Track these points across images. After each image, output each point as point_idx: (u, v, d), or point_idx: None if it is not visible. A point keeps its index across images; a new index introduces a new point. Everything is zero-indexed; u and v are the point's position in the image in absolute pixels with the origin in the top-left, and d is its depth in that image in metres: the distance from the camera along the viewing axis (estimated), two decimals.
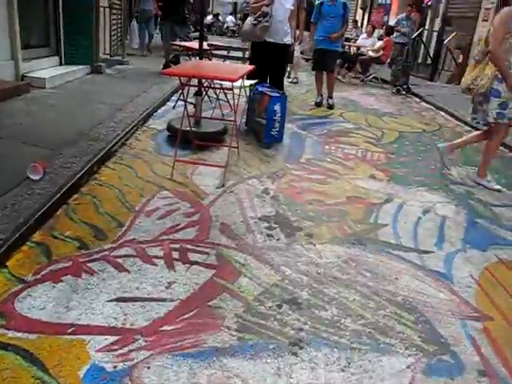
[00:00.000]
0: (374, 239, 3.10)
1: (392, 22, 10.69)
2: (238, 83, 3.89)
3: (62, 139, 4.18)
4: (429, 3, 13.00)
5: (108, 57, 9.37)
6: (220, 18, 23.25)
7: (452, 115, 7.80)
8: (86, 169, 3.64)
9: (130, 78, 7.92)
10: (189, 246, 2.78)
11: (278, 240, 2.94)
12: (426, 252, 3.01)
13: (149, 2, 10.99)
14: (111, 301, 2.22)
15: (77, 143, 4.12)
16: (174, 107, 6.05)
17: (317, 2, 7.42)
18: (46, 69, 6.94)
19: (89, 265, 2.50)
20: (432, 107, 8.55)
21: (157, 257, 2.65)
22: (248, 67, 4.07)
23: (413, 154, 5.23)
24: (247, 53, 5.42)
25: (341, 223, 3.27)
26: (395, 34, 10.35)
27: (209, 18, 23.76)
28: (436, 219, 3.54)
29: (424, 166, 4.86)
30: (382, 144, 5.49)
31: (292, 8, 5.64)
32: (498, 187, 4.36)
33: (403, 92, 9.70)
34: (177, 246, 2.78)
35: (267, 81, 5.41)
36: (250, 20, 5.56)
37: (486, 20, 10.73)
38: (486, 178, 4.50)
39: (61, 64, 7.49)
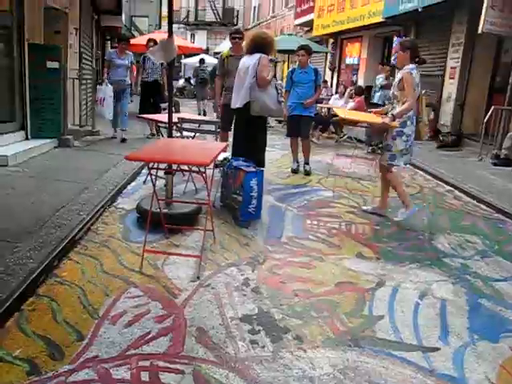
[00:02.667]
0: (371, 337, 2.74)
1: (380, 82, 10.83)
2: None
3: (20, 228, 3.80)
4: (395, 63, 13.29)
5: (78, 127, 9.12)
6: (192, 81, 23.50)
7: (431, 174, 7.70)
8: (44, 264, 3.26)
9: (100, 150, 7.64)
10: (161, 364, 2.37)
11: (262, 348, 2.55)
12: (432, 349, 2.67)
13: (119, 71, 8.69)
14: None
15: (36, 232, 3.75)
16: (144, 182, 5.74)
17: (288, 70, 7.40)
18: (11, 144, 6.63)
19: None
20: (409, 166, 8.42)
21: (123, 381, 2.24)
22: (220, 146, 3.81)
23: (398, 223, 4.96)
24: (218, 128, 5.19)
25: (332, 319, 2.91)
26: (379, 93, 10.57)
27: (181, 82, 24.06)
28: (435, 304, 3.21)
29: (412, 236, 4.59)
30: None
31: None
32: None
33: (378, 151, 9.62)
34: (147, 363, 2.37)
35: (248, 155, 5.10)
36: (265, 96, 5.14)
37: (453, 78, 10.98)
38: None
39: (27, 138, 7.20)
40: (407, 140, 4.80)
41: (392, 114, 4.72)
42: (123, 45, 8.83)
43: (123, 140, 8.62)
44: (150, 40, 9.72)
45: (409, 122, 4.77)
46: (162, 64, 8.69)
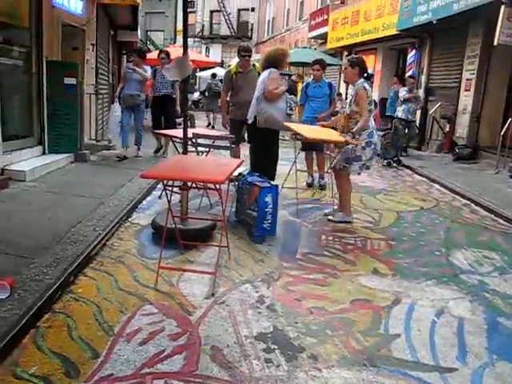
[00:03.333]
0: (387, 357, 2.70)
1: (403, 95, 10.30)
2: None
3: (36, 243, 3.85)
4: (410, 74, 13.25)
5: (94, 142, 9.24)
6: (206, 94, 23.68)
7: (447, 187, 7.62)
8: (60, 281, 3.29)
9: (115, 165, 7.72)
10: (175, 383, 2.37)
11: (277, 367, 2.54)
12: (449, 370, 2.63)
13: (133, 85, 8.23)
14: None
15: (52, 248, 3.79)
16: (160, 196, 5.77)
17: (302, 85, 7.41)
18: (29, 159, 6.74)
19: None
20: (425, 179, 8.40)
21: None
22: (235, 163, 3.82)
23: (414, 238, 4.93)
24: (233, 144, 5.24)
25: (347, 337, 2.88)
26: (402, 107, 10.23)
27: (196, 95, 24.27)
28: (452, 322, 3.16)
29: (428, 252, 4.54)
30: (381, 228, 5.20)
31: None
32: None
33: (394, 164, 9.59)
34: (161, 382, 2.37)
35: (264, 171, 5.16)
36: (272, 108, 5.28)
37: (468, 90, 10.90)
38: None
39: (44, 153, 7.31)
40: (374, 148, 5.09)
41: (351, 132, 4.93)
42: (139, 58, 8.53)
43: (137, 156, 8.40)
44: (161, 51, 9.47)
45: (374, 132, 5.11)
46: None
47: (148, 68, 8.64)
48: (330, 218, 5.30)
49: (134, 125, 8.56)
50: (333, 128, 5.36)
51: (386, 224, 5.38)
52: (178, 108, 8.55)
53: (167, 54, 8.79)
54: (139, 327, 2.86)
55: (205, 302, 3.21)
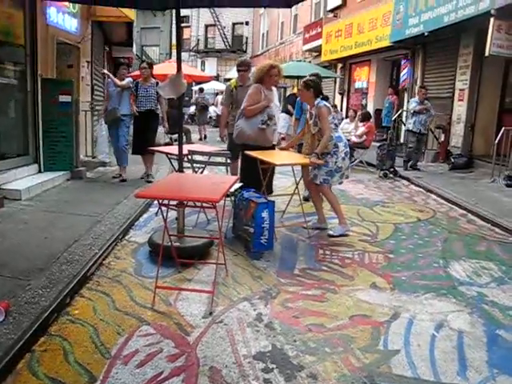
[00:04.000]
0: (387, 374, 2.68)
1: (413, 106, 10.19)
2: None
3: (32, 264, 3.82)
4: (404, 86, 13.36)
5: (90, 159, 9.25)
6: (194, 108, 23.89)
7: (443, 197, 7.63)
8: (56, 302, 3.25)
9: (111, 181, 7.70)
10: None
11: None
12: None
13: (113, 99, 7.75)
14: None
15: (48, 268, 3.77)
16: (156, 213, 5.76)
17: (298, 99, 7.41)
18: (24, 178, 6.73)
19: None
20: (422, 190, 8.41)
21: None
22: (231, 180, 3.82)
23: (412, 250, 4.91)
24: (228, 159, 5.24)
25: (347, 354, 2.86)
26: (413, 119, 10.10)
27: (192, 109, 24.32)
28: (452, 336, 3.14)
29: (426, 264, 4.52)
30: (379, 241, 5.18)
31: (279, 104, 5.63)
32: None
33: (391, 175, 9.61)
34: None
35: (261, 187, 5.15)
36: (246, 123, 5.40)
37: (462, 100, 10.97)
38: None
39: (39, 171, 7.31)
40: (344, 158, 5.22)
41: (315, 153, 5.06)
42: (122, 70, 8.08)
43: (122, 180, 7.63)
44: (143, 61, 8.96)
45: (346, 142, 5.36)
46: (157, 91, 7.42)
47: (130, 80, 7.94)
48: (330, 233, 5.30)
49: (118, 142, 7.84)
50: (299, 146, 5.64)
51: (384, 237, 5.37)
52: (166, 124, 8.14)
53: (149, 64, 8.11)
54: (136, 349, 2.83)
55: (203, 322, 3.18)
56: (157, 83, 7.48)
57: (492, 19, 8.21)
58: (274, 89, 5.71)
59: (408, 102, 13.13)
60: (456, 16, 9.21)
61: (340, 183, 5.50)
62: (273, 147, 5.70)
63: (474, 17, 8.65)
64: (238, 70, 6.38)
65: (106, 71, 7.75)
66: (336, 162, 5.14)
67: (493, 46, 8.34)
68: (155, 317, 3.24)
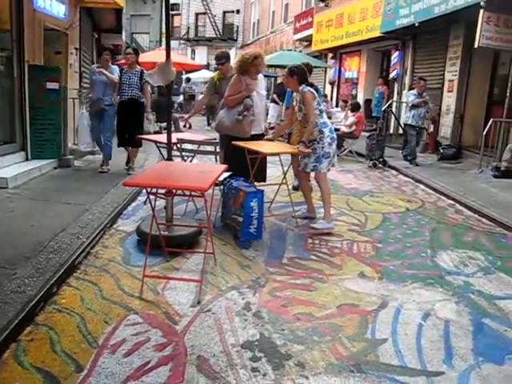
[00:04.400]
0: (373, 362, 2.70)
1: (411, 99, 9.67)
2: None
3: (19, 253, 3.78)
4: (395, 77, 13.36)
5: (78, 147, 9.13)
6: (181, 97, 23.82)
7: (432, 188, 7.67)
8: (43, 292, 3.22)
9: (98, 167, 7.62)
10: None
11: (264, 376, 2.51)
12: (436, 374, 2.62)
13: (99, 88, 7.36)
14: None
15: (35, 257, 3.73)
16: (145, 202, 5.72)
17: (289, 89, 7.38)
18: (11, 166, 6.64)
19: None
20: (411, 180, 8.45)
21: None
22: (220, 169, 3.80)
23: (400, 240, 4.94)
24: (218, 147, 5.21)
25: (334, 343, 2.87)
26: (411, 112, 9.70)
27: (181, 98, 24.17)
28: (439, 325, 3.17)
29: (414, 254, 4.55)
30: (367, 231, 5.20)
31: (265, 93, 5.57)
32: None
33: (380, 165, 9.64)
34: None
35: (248, 175, 5.11)
36: (226, 113, 5.38)
37: (451, 91, 11.01)
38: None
39: (27, 159, 7.22)
40: (331, 143, 5.15)
41: (303, 141, 5.03)
42: (105, 56, 7.43)
43: (102, 172, 7.25)
44: (128, 47, 8.60)
45: (332, 127, 5.31)
46: (141, 78, 7.07)
47: (116, 68, 7.57)
48: (312, 225, 5.18)
49: (101, 133, 7.49)
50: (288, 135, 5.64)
51: (373, 226, 5.39)
52: (151, 116, 7.42)
53: (135, 50, 7.56)
54: (124, 338, 2.82)
55: (191, 311, 3.18)
56: (141, 71, 7.13)
57: (481, 11, 8.22)
58: (260, 77, 5.65)
59: (398, 93, 13.20)
60: (446, 7, 9.21)
61: (327, 170, 5.39)
62: (258, 137, 5.57)
63: (464, 8, 8.65)
64: (218, 64, 6.27)
65: (102, 70, 7.28)
66: (323, 148, 5.09)
67: (482, 38, 8.35)
68: (143, 306, 3.23)
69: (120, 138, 7.40)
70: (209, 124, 18.07)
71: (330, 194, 5.39)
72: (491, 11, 8.24)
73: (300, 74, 5.20)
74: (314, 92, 5.13)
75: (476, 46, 8.59)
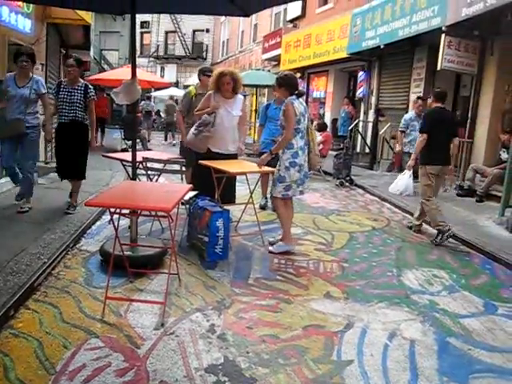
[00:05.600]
0: None
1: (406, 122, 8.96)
2: None
3: None
4: (361, 96, 13.61)
5: (43, 164, 8.94)
6: (162, 114, 23.69)
7: (397, 206, 7.79)
8: None
9: (65, 188, 7.41)
10: None
11: None
12: None
13: (17, 104, 5.56)
14: None
15: None
16: (109, 221, 5.58)
17: (263, 105, 7.40)
18: None
19: None
20: (377, 199, 8.55)
21: None
22: (184, 189, 3.75)
23: (366, 259, 4.97)
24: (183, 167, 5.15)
25: (300, 365, 2.84)
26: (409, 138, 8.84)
27: (154, 116, 24.07)
28: (404, 345, 3.18)
29: (380, 273, 4.58)
30: (334, 250, 5.22)
31: (240, 114, 5.51)
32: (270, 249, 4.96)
33: (347, 184, 9.75)
34: None
35: (215, 195, 5.08)
36: (192, 129, 5.37)
37: None
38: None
39: None
40: (300, 170, 4.83)
41: (270, 150, 4.95)
42: (23, 63, 5.60)
43: (21, 212, 5.60)
44: (70, 56, 6.54)
45: (300, 152, 4.84)
46: (85, 95, 5.82)
47: (40, 80, 5.91)
48: (271, 249, 4.96)
49: (21, 164, 5.81)
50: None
51: (339, 245, 5.41)
52: (94, 142, 6.22)
53: (78, 60, 5.99)
54: (83, 363, 2.72)
55: (154, 334, 3.10)
56: (85, 86, 5.87)
57: (443, 35, 8.50)
58: (238, 98, 5.53)
59: (365, 112, 13.43)
60: (410, 31, 9.49)
61: (288, 197, 4.96)
62: (226, 157, 5.46)
63: (427, 32, 8.94)
64: (204, 75, 6.24)
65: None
66: (279, 170, 4.84)
67: (444, 61, 8.62)
68: (104, 329, 3.13)
69: (61, 169, 6.07)
70: (166, 139, 19.51)
71: (289, 218, 5.04)
72: (452, 36, 8.53)
73: (287, 84, 4.86)
74: (297, 107, 4.74)
75: (438, 68, 8.85)
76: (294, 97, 4.80)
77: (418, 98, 9.52)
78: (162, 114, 22.70)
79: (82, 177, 6.13)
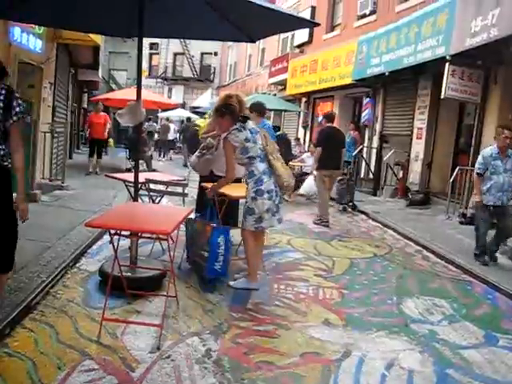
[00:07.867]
0: None
1: None
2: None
3: None
4: (365, 123, 13.68)
5: (47, 181, 9.00)
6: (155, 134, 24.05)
7: (400, 233, 7.76)
8: None
9: (67, 206, 7.49)
10: None
11: None
12: None
13: None
14: None
15: None
16: (110, 241, 5.58)
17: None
18: None
19: None
20: (379, 225, 8.53)
21: None
22: (185, 212, 3.76)
23: (367, 286, 4.94)
24: (186, 189, 5.17)
25: None
26: None
27: (156, 136, 24.25)
28: (402, 376, 3.14)
29: (380, 301, 4.54)
30: (334, 276, 5.19)
31: None
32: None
33: (349, 209, 9.74)
34: None
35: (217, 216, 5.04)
36: (196, 152, 5.38)
37: (420, 138, 11.32)
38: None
39: None
40: (271, 197, 4.28)
41: (213, 185, 4.61)
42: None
43: None
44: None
45: (264, 177, 4.29)
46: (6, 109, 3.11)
47: None
48: (230, 283, 4.48)
49: None
50: None
51: (340, 272, 5.38)
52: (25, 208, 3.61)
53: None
54: None
55: (149, 357, 3.07)
56: (7, 90, 3.15)
57: (447, 64, 8.61)
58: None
59: (369, 138, 13.50)
60: (415, 59, 9.61)
61: (260, 229, 4.40)
62: (236, 180, 5.34)
63: (431, 61, 9.06)
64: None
65: None
66: (246, 202, 4.38)
67: (448, 90, 8.72)
68: (100, 351, 3.11)
69: None
70: (160, 155, 20.66)
71: (257, 253, 4.57)
72: (456, 65, 8.63)
73: (231, 111, 4.26)
74: (240, 135, 4.23)
75: (442, 96, 8.94)
76: (235, 126, 4.26)
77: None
78: (156, 134, 23.02)
79: (8, 268, 3.39)
